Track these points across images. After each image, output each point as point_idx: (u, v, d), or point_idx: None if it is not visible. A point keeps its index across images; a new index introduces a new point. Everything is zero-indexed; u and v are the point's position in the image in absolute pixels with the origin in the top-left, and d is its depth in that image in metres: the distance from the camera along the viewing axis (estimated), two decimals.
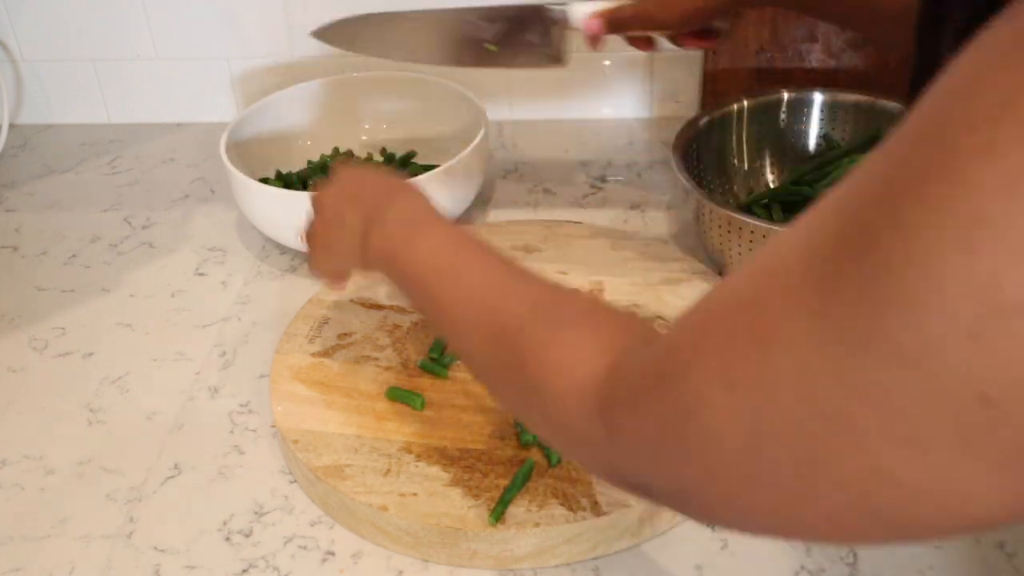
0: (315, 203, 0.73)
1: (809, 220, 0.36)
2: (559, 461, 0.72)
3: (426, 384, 0.80)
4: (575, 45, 0.88)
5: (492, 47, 0.86)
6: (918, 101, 0.32)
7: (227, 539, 0.73)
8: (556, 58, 0.86)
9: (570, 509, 0.69)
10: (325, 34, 0.93)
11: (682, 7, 0.80)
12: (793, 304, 0.34)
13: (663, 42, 1.16)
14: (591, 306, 0.53)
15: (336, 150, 1.10)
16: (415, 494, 0.70)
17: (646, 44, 0.87)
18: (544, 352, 0.49)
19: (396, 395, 0.78)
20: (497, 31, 0.86)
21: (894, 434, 0.31)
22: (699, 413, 0.37)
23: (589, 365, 0.46)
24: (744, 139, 0.99)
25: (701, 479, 0.39)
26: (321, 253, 0.73)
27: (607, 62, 1.18)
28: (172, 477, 0.78)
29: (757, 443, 0.35)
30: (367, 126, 1.13)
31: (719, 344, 0.37)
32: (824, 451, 0.33)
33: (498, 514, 0.68)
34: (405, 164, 1.07)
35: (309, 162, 1.08)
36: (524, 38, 0.86)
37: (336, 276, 0.76)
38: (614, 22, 0.83)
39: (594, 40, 0.84)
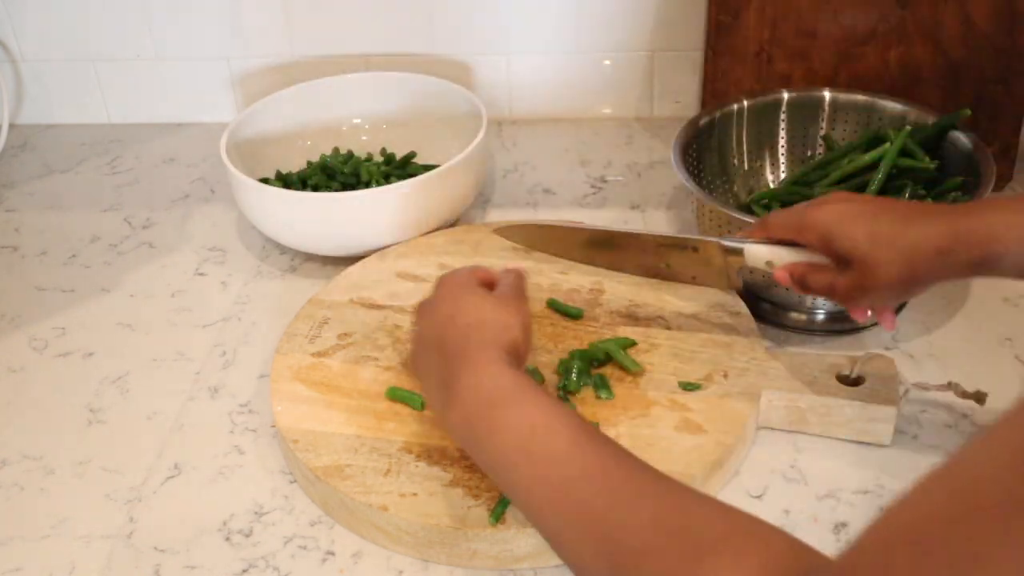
0: (416, 320, 0.71)
1: (1006, 430, 0.33)
2: None
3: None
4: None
5: (666, 266, 0.86)
6: None
7: (227, 539, 0.73)
8: (728, 285, 0.85)
9: None
10: (507, 231, 0.95)
11: (872, 292, 0.69)
12: (1003, 529, 0.31)
13: (664, 42, 1.17)
14: (726, 518, 0.46)
15: (336, 150, 1.10)
16: (415, 494, 0.70)
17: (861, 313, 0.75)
18: None
19: (396, 395, 0.78)
20: (671, 255, 0.86)
21: None
22: None
23: None
24: (744, 139, 0.99)
25: None
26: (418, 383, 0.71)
27: (607, 62, 1.19)
28: (172, 477, 0.78)
29: None
30: (367, 126, 1.13)
31: (913, 569, 0.33)
32: None
33: (498, 514, 0.68)
34: (405, 164, 1.07)
35: (309, 162, 1.08)
36: (698, 264, 0.84)
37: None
38: (801, 284, 0.74)
39: (785, 284, 0.76)
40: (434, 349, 0.65)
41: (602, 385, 0.77)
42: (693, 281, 0.86)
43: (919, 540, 0.34)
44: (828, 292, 0.72)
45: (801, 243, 0.74)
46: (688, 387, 0.77)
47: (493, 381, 0.60)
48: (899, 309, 0.88)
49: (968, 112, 0.91)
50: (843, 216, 0.70)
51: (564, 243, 0.91)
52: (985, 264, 0.64)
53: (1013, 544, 0.30)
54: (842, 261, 0.70)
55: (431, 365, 0.65)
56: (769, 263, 0.77)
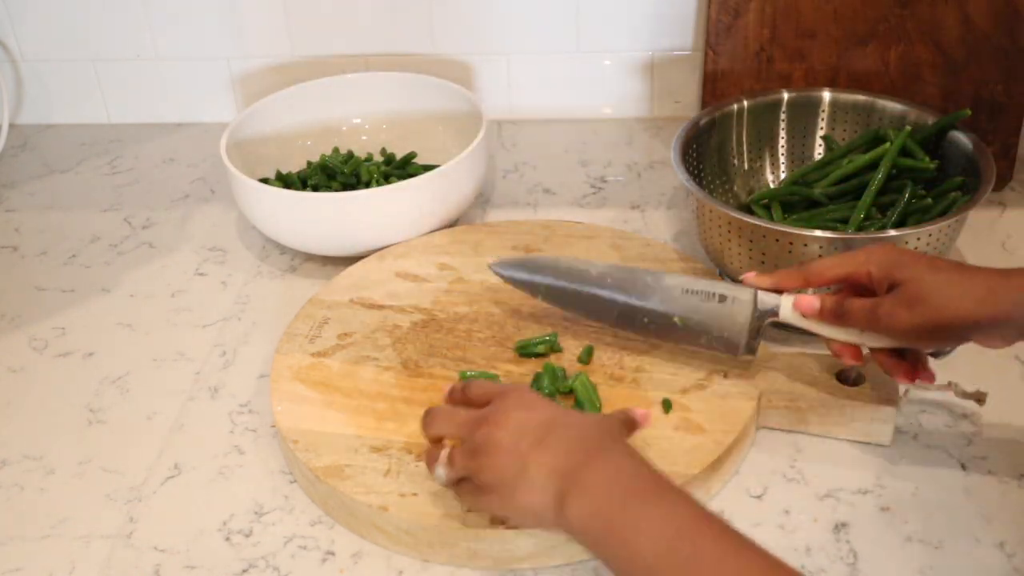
0: (483, 439, 0.62)
1: None
2: None
3: (426, 384, 0.80)
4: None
5: (680, 320, 0.77)
6: None
7: (227, 539, 0.73)
8: (747, 349, 0.76)
9: None
10: (506, 266, 0.84)
11: (921, 312, 0.66)
12: None
13: (664, 42, 1.17)
14: None
15: (336, 150, 1.10)
16: (415, 494, 0.70)
17: (890, 360, 0.72)
18: None
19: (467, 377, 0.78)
20: (692, 304, 0.76)
21: None
22: None
23: None
24: (744, 139, 0.99)
25: None
26: (493, 498, 0.62)
27: (607, 62, 1.19)
28: (172, 477, 0.78)
29: None
30: (367, 126, 1.13)
31: None
32: None
33: None
34: (405, 164, 1.07)
35: (309, 162, 1.08)
36: (719, 318, 0.75)
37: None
38: (837, 310, 0.70)
39: (810, 313, 0.72)
40: (531, 456, 0.59)
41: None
42: (700, 343, 0.78)
43: None
44: (871, 310, 0.68)
45: (852, 281, 0.71)
46: (667, 406, 0.76)
47: (633, 471, 0.57)
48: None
49: (968, 112, 0.91)
50: (902, 251, 0.69)
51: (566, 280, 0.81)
52: None
53: None
54: (892, 287, 0.67)
55: (527, 478, 0.59)
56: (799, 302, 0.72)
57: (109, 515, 0.75)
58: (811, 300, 0.72)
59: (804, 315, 0.72)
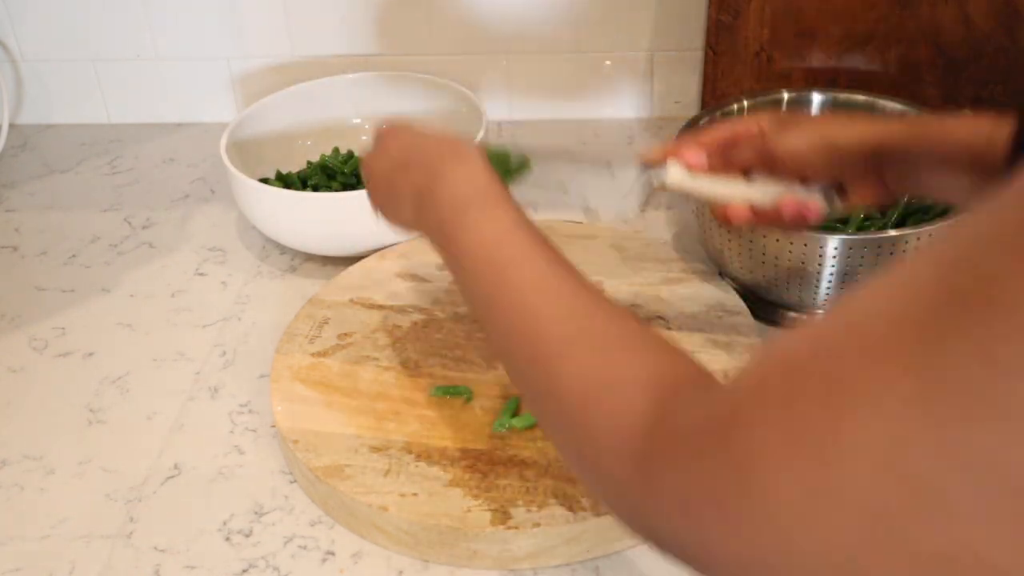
0: (365, 169, 0.71)
1: (901, 271, 0.33)
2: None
3: (426, 384, 0.80)
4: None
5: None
6: None
7: (227, 539, 0.73)
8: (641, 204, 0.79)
9: (570, 509, 0.69)
10: None
11: (806, 132, 0.69)
12: (883, 359, 0.31)
13: (664, 42, 1.17)
14: (642, 334, 0.48)
15: (336, 150, 1.10)
16: (415, 494, 0.70)
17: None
18: (585, 380, 0.45)
19: (441, 392, 0.78)
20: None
21: (992, 511, 0.29)
22: (754, 473, 0.34)
23: (634, 406, 0.42)
24: None
25: (741, 545, 0.35)
26: (377, 211, 0.71)
27: (607, 62, 1.19)
28: (172, 477, 0.78)
29: (816, 510, 0.32)
30: (367, 126, 1.13)
31: (786, 397, 0.34)
32: (902, 524, 0.30)
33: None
34: None
35: (309, 162, 1.08)
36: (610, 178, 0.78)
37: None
38: (719, 157, 0.72)
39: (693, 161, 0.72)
40: (400, 171, 0.65)
41: None
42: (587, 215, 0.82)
43: (796, 371, 0.34)
44: (761, 146, 0.70)
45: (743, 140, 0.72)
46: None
47: (469, 182, 0.61)
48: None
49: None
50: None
51: None
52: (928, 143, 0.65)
53: (895, 375, 0.30)
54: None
55: (399, 187, 0.65)
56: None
57: (109, 515, 0.75)
58: (698, 153, 0.71)
59: (691, 168, 0.71)
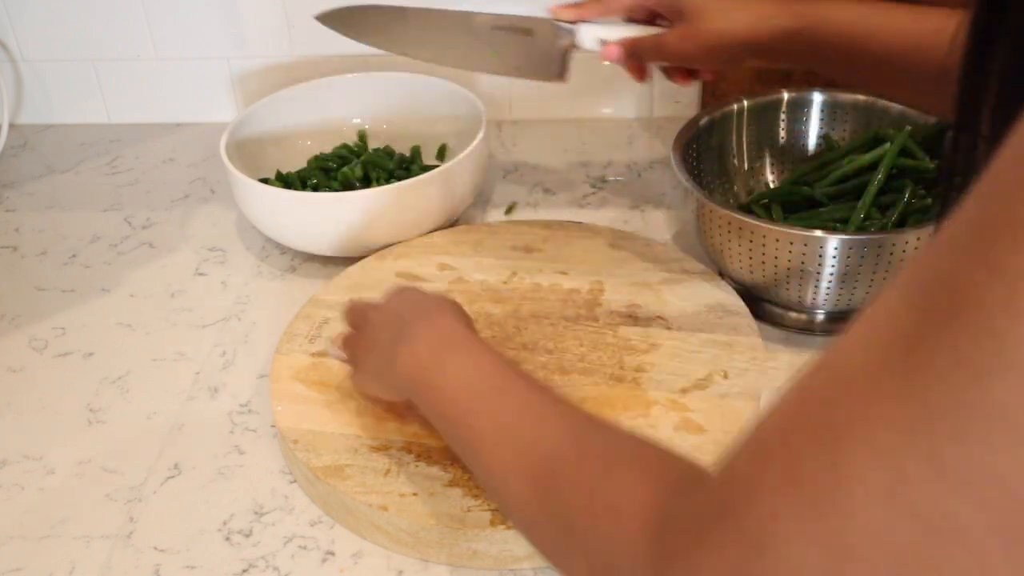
0: (361, 318, 0.73)
1: (874, 307, 0.33)
2: None
3: None
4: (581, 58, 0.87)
5: (493, 54, 0.86)
6: (993, 164, 0.29)
7: (227, 539, 0.73)
8: (557, 75, 0.86)
9: None
10: (330, 19, 0.92)
11: (704, 40, 0.78)
12: (870, 396, 0.30)
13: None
14: (638, 443, 0.48)
15: (336, 150, 1.10)
16: (415, 494, 0.70)
17: (684, 76, 0.87)
18: (592, 494, 0.45)
19: None
20: (502, 39, 0.86)
21: (1004, 528, 0.28)
22: (771, 546, 0.32)
23: (639, 510, 0.41)
24: (744, 139, 0.99)
25: None
26: (357, 374, 0.74)
27: (607, 62, 1.18)
28: (172, 477, 0.78)
29: (841, 568, 0.31)
30: (367, 126, 1.13)
31: (785, 460, 0.33)
32: (923, 558, 0.29)
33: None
34: (411, 163, 1.06)
35: (309, 162, 1.08)
36: (528, 49, 0.85)
37: (380, 400, 0.75)
38: (632, 51, 0.83)
39: (615, 60, 0.84)
40: (385, 327, 0.68)
41: None
42: (516, 72, 0.87)
43: (788, 432, 0.33)
44: (656, 48, 0.80)
45: (644, 8, 0.82)
46: None
47: (448, 329, 0.64)
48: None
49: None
50: None
51: (388, 33, 0.90)
52: (794, 36, 0.74)
53: (882, 404, 0.30)
54: (677, 15, 0.79)
55: (378, 344, 0.68)
56: (603, 41, 0.82)
57: (109, 515, 0.75)
58: (613, 49, 0.83)
59: (608, 60, 0.83)
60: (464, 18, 0.87)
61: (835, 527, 0.30)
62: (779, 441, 0.34)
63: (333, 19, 0.92)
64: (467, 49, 0.87)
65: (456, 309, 0.68)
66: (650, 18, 0.85)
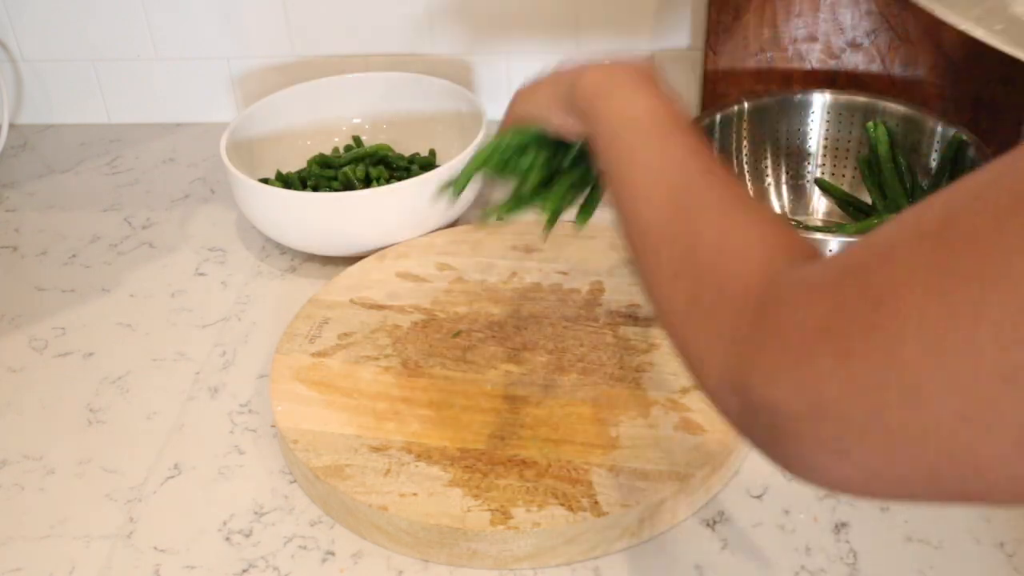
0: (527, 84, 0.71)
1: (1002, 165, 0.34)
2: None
3: (426, 384, 0.80)
4: None
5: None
6: None
7: (227, 539, 0.73)
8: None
9: (570, 509, 0.69)
10: None
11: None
12: (1016, 222, 0.31)
13: (664, 42, 1.16)
14: (769, 209, 0.51)
15: (336, 149, 1.10)
16: (415, 494, 0.70)
17: None
18: (723, 236, 0.48)
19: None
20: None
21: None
22: (889, 306, 0.34)
23: (761, 257, 0.44)
24: (744, 140, 0.99)
25: (853, 390, 0.35)
26: (529, 89, 0.70)
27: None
28: (172, 477, 0.78)
29: (942, 357, 0.32)
30: (367, 126, 1.13)
31: (938, 244, 0.34)
32: None
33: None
34: (410, 164, 1.06)
35: (309, 162, 1.08)
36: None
37: (519, 120, 0.71)
38: None
39: None
40: (570, 67, 0.67)
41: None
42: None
43: (950, 223, 0.34)
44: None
45: None
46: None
47: (651, 72, 0.63)
48: None
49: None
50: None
51: None
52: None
53: (1001, 261, 0.31)
54: None
55: (559, 78, 0.66)
56: None
57: (109, 515, 0.75)
58: None
59: None
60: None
61: (960, 325, 0.32)
62: (941, 229, 0.34)
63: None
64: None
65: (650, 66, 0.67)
66: None
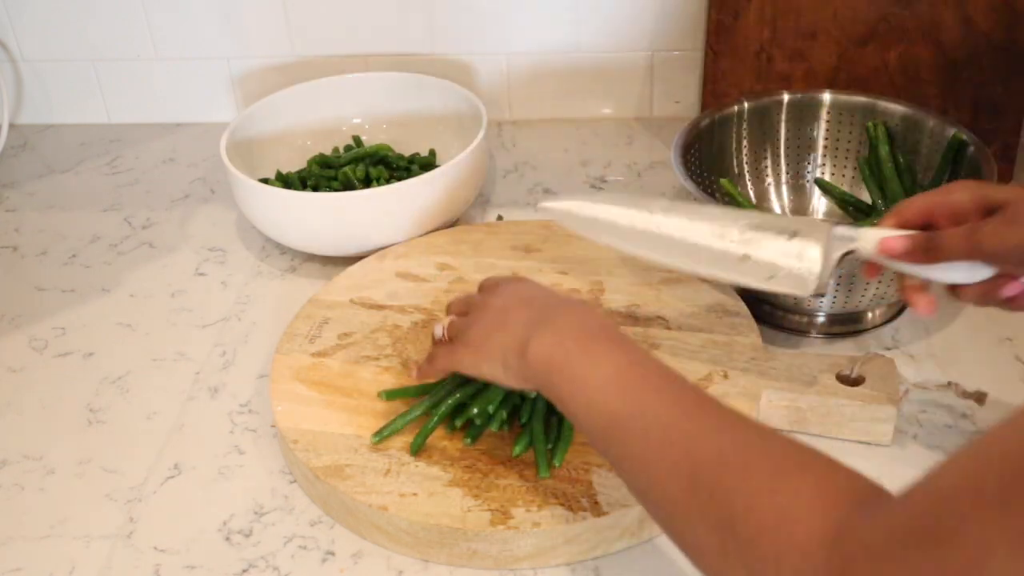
0: (478, 304, 0.70)
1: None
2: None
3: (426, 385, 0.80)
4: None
5: (743, 259, 0.71)
6: None
7: (227, 539, 0.73)
8: (820, 288, 0.69)
9: (570, 509, 0.69)
10: (555, 212, 0.79)
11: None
12: None
13: (664, 42, 1.16)
14: (805, 452, 0.48)
15: (336, 149, 1.10)
16: (415, 494, 0.70)
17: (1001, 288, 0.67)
18: (759, 501, 0.44)
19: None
20: (756, 240, 0.71)
21: None
22: (986, 565, 0.34)
23: (815, 520, 0.42)
24: (744, 140, 0.99)
25: None
26: (465, 350, 0.68)
27: (607, 62, 1.18)
28: (172, 477, 0.78)
29: None
30: (367, 126, 1.13)
31: (1000, 497, 0.35)
32: None
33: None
34: (410, 164, 1.06)
35: (309, 162, 1.08)
36: (785, 255, 0.70)
37: (442, 373, 0.73)
38: (926, 246, 0.64)
39: (896, 253, 0.65)
40: (514, 309, 0.65)
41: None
42: (768, 283, 0.70)
43: (1007, 472, 0.35)
44: (968, 235, 0.61)
45: (940, 213, 0.64)
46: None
47: (593, 320, 0.62)
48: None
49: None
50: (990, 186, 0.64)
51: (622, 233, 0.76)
52: None
53: None
54: (990, 210, 0.62)
55: (506, 325, 0.65)
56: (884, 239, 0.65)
57: (109, 515, 0.75)
58: (898, 239, 0.64)
59: (891, 256, 0.65)
60: (719, 215, 0.74)
61: None
62: (996, 476, 0.36)
63: (559, 213, 0.79)
64: (717, 255, 0.72)
65: (593, 304, 0.65)
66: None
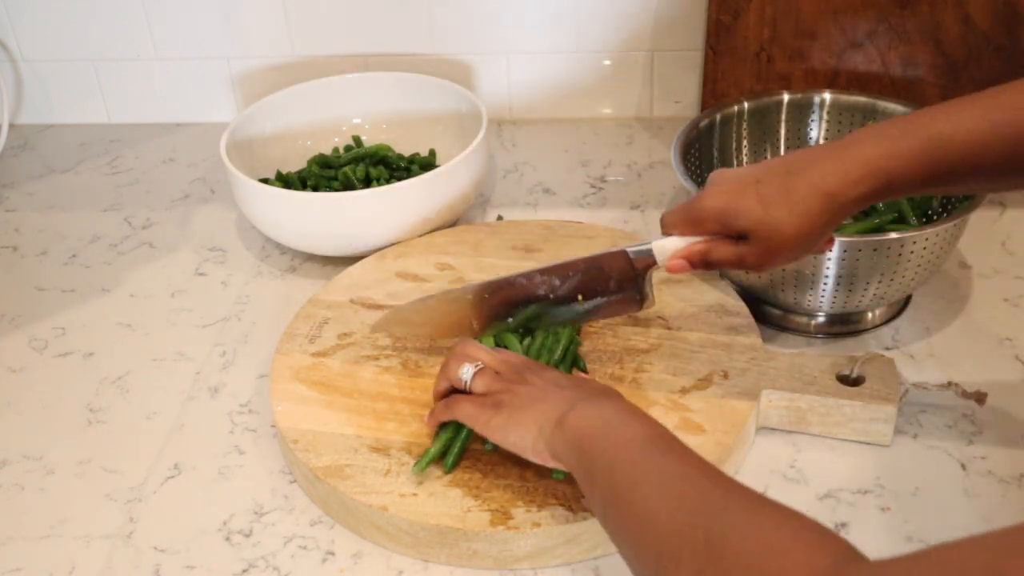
0: (515, 376, 0.71)
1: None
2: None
3: (426, 384, 0.80)
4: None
5: (580, 301, 0.79)
6: None
7: (227, 539, 0.73)
8: (645, 301, 0.78)
9: (570, 509, 0.69)
10: (385, 324, 0.84)
11: (785, 258, 0.70)
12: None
13: (664, 42, 1.17)
14: (795, 517, 0.52)
15: (336, 150, 1.10)
16: (415, 494, 0.70)
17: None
18: (749, 550, 0.49)
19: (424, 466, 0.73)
20: (576, 284, 0.79)
21: None
22: None
23: (802, 562, 0.46)
24: (744, 140, 0.99)
25: None
26: (497, 414, 0.68)
27: (607, 62, 1.19)
28: (172, 477, 0.78)
29: None
30: (367, 126, 1.13)
31: None
32: None
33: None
34: (410, 164, 1.06)
35: (309, 162, 1.08)
36: (607, 285, 0.78)
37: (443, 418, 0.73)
38: (702, 263, 0.73)
39: (679, 271, 0.75)
40: (557, 386, 0.69)
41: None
42: (609, 311, 0.80)
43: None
44: (737, 263, 0.71)
45: (703, 235, 0.72)
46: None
47: (636, 406, 0.66)
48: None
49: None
50: (731, 194, 0.70)
51: (448, 317, 0.83)
52: (876, 196, 0.67)
53: None
54: (744, 235, 0.70)
55: (546, 399, 0.67)
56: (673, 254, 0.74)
57: (109, 515, 0.75)
58: (679, 262, 0.73)
59: (677, 273, 0.74)
60: (527, 276, 0.80)
61: None
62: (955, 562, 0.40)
63: (389, 323, 0.84)
64: (553, 304, 0.80)
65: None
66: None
